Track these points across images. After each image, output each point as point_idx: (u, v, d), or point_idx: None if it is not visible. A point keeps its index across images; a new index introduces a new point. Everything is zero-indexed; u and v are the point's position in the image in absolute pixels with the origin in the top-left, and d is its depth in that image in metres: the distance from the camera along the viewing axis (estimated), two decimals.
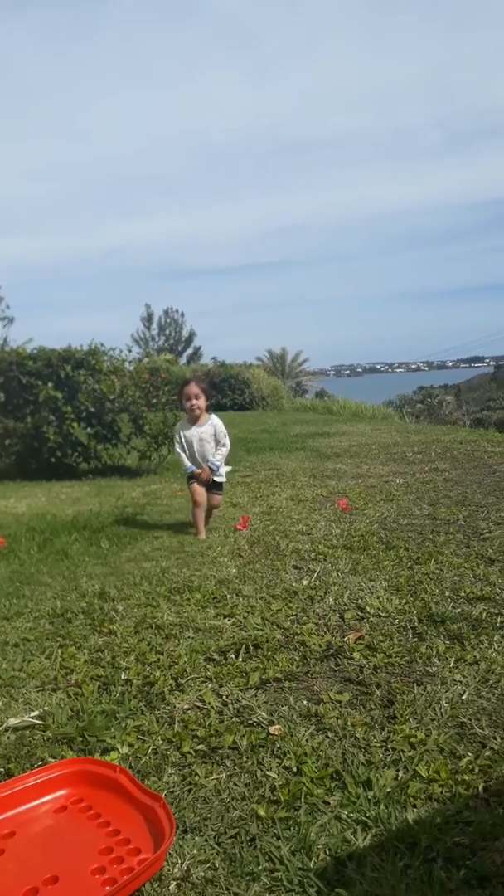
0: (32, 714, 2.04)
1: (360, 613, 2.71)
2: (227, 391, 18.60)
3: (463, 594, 2.86)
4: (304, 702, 2.05)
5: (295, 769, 1.71)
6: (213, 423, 4.32)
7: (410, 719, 1.91)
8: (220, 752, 1.81)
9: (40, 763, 1.79)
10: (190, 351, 37.33)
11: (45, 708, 2.08)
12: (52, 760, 1.78)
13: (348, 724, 1.90)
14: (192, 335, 38.07)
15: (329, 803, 1.58)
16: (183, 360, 33.73)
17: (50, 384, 7.27)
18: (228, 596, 2.99)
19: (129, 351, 8.27)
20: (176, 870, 1.40)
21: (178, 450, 4.38)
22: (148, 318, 37.95)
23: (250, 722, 1.95)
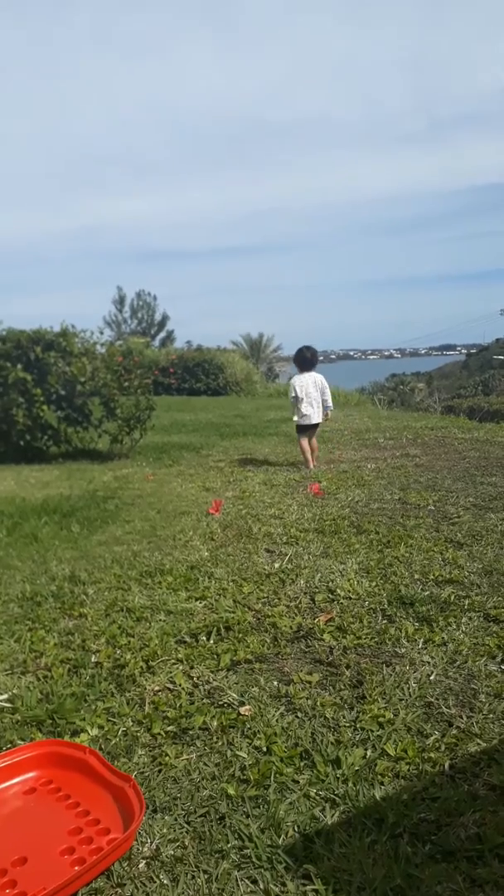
0: (1, 697, 2.02)
1: (330, 596, 2.73)
2: (202, 375, 18.51)
3: (432, 577, 2.90)
4: (275, 682, 2.07)
5: (265, 749, 1.72)
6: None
7: (379, 699, 1.93)
8: (191, 732, 1.82)
9: (9, 745, 1.77)
10: (163, 334, 36.99)
11: (15, 691, 2.06)
12: (21, 743, 1.77)
13: (318, 704, 1.92)
14: (164, 318, 37.72)
15: (298, 782, 1.60)
16: (156, 343, 33.43)
17: (19, 366, 7.15)
18: (200, 579, 2.99)
19: (101, 333, 8.17)
20: (145, 849, 1.41)
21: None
22: (120, 301, 37.46)
23: (221, 703, 1.96)
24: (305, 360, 6.09)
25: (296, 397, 5.97)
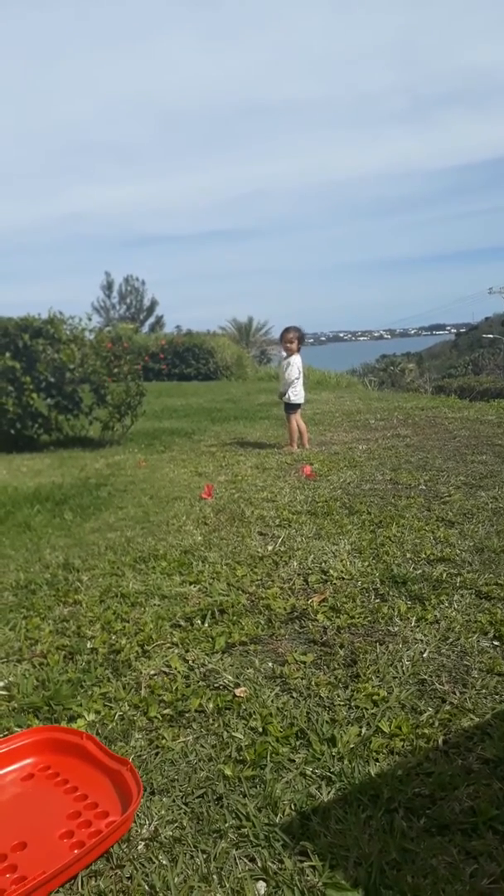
0: None
1: (323, 577, 2.75)
2: (192, 360, 18.41)
3: (424, 556, 2.91)
4: (270, 664, 2.08)
5: (261, 729, 1.74)
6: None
7: (373, 677, 1.95)
8: (187, 715, 1.83)
9: (6, 732, 1.78)
10: (152, 320, 36.75)
11: (11, 679, 2.07)
12: (19, 730, 1.78)
13: (313, 683, 1.94)
14: (153, 303, 37.46)
15: (294, 761, 1.61)
16: (145, 328, 33.21)
17: (8, 354, 7.10)
18: (194, 563, 3.00)
19: (90, 319, 8.10)
20: (144, 830, 1.42)
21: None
22: (108, 287, 37.16)
23: (216, 685, 1.97)
24: (301, 339, 6.32)
25: (298, 377, 6.17)
